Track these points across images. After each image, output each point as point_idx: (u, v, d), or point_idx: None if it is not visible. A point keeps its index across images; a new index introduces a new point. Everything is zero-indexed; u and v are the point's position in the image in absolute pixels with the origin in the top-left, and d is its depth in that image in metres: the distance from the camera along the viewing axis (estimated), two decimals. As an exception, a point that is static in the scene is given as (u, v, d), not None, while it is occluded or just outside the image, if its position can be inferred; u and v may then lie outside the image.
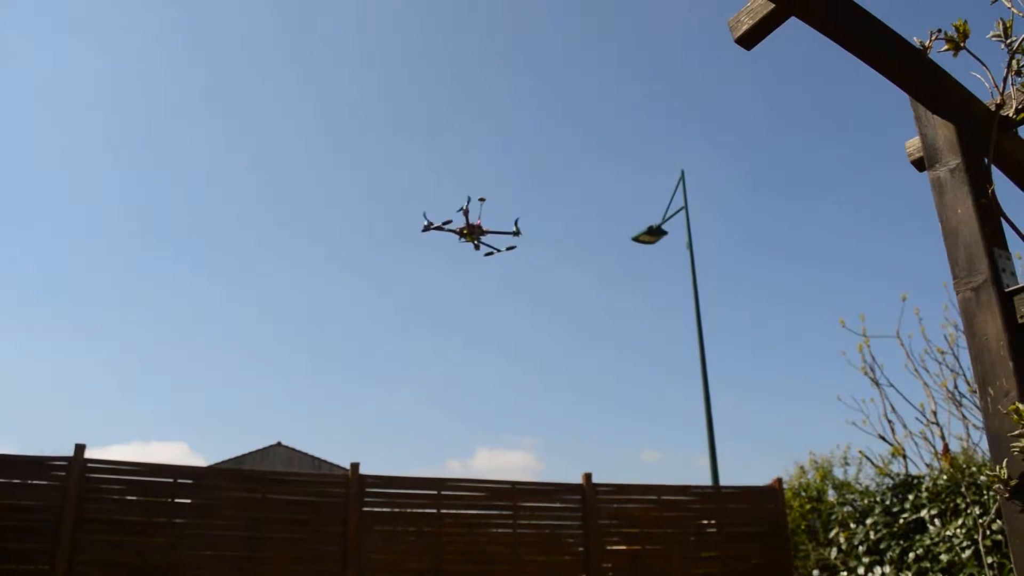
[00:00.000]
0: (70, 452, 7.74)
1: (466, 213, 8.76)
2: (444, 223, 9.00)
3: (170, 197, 38.16)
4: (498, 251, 9.27)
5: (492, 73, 36.22)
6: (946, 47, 2.28)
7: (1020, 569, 1.91)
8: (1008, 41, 2.24)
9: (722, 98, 31.31)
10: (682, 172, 14.86)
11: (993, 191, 2.23)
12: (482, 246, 9.17)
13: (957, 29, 2.26)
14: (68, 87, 33.87)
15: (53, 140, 35.85)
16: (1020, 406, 1.91)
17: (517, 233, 9.14)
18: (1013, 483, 1.95)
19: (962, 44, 2.27)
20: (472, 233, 9.02)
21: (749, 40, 2.18)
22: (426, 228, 8.94)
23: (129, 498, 8.06)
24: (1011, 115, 2.36)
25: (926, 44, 2.29)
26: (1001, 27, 2.24)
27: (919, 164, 2.57)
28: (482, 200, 9.04)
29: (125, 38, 33.34)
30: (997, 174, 2.36)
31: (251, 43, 35.17)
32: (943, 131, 2.32)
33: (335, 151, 37.20)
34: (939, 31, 2.27)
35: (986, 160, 2.29)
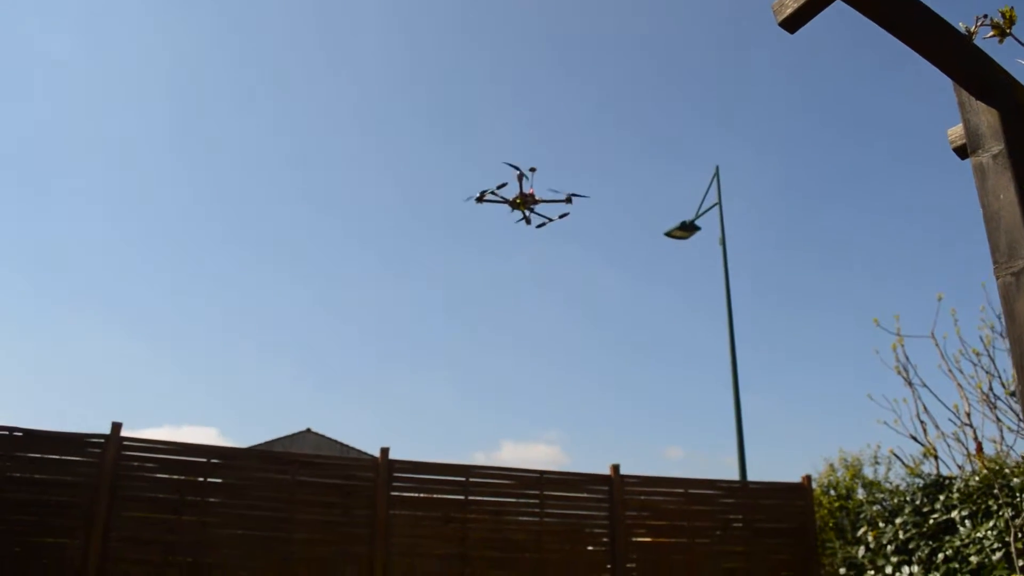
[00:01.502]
0: (107, 430, 7.90)
1: (520, 179, 8.76)
2: (500, 186, 8.99)
3: (212, 186, 38.59)
4: (550, 220, 9.27)
5: (529, 70, 36.21)
6: (992, 33, 2.27)
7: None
8: (1055, 28, 2.23)
9: (758, 99, 31.08)
10: (716, 168, 14.80)
11: (1036, 178, 2.23)
12: (533, 217, 9.17)
13: (1003, 15, 2.26)
14: (122, 70, 34.32)
15: (105, 124, 36.37)
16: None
17: (569, 200, 9.12)
18: (1050, 468, 1.95)
19: (1008, 30, 2.26)
20: (525, 202, 9.01)
21: (793, 23, 2.18)
22: (480, 198, 8.96)
23: (163, 476, 8.20)
24: (1056, 102, 2.35)
25: (972, 30, 2.28)
26: (1048, 13, 2.23)
27: (961, 151, 2.56)
28: (533, 170, 9.05)
29: (169, 28, 33.72)
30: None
31: (292, 38, 35.41)
32: (987, 117, 2.32)
33: (376, 144, 37.45)
34: (985, 17, 2.27)
35: (1030, 147, 2.29)
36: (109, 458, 7.77)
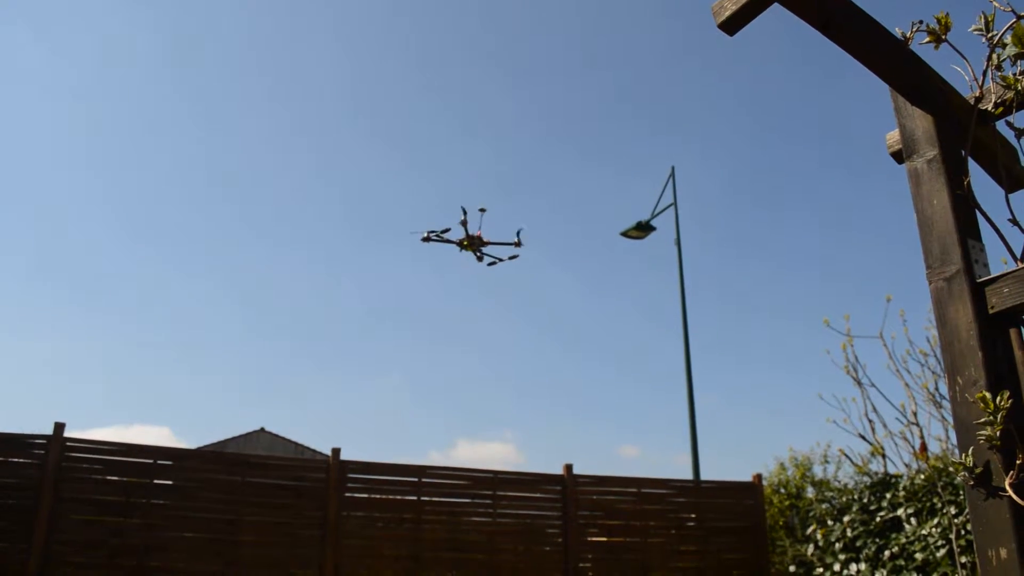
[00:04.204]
0: (49, 431, 7.72)
1: (465, 224, 8.78)
2: (443, 231, 9.01)
3: (155, 182, 37.95)
4: (500, 260, 9.30)
5: (474, 77, 36.17)
6: (927, 39, 2.29)
7: (982, 555, 1.93)
8: (989, 35, 2.25)
9: (704, 103, 31.41)
10: (672, 168, 14.89)
11: (969, 183, 2.25)
12: (484, 256, 9.19)
13: (939, 21, 2.28)
14: (40, 71, 33.59)
15: (38, 122, 35.56)
16: (987, 394, 1.93)
17: (519, 243, 9.17)
18: (978, 471, 1.97)
19: (943, 37, 2.28)
20: (472, 244, 9.02)
21: (732, 25, 2.18)
22: (426, 238, 8.95)
23: (108, 478, 8.04)
24: (989, 109, 2.38)
25: (908, 35, 2.30)
26: (983, 20, 2.25)
27: (898, 156, 2.58)
28: (482, 211, 9.06)
29: (104, 32, 33.06)
30: (973, 167, 2.38)
31: (227, 44, 34.91)
32: (922, 123, 2.34)
33: (319, 149, 37.09)
34: (921, 23, 2.28)
35: (963, 152, 2.31)
36: (52, 459, 7.60)
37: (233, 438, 28.03)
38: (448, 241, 9.02)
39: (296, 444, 29.07)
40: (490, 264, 9.23)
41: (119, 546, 7.73)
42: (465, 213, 8.59)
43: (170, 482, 8.30)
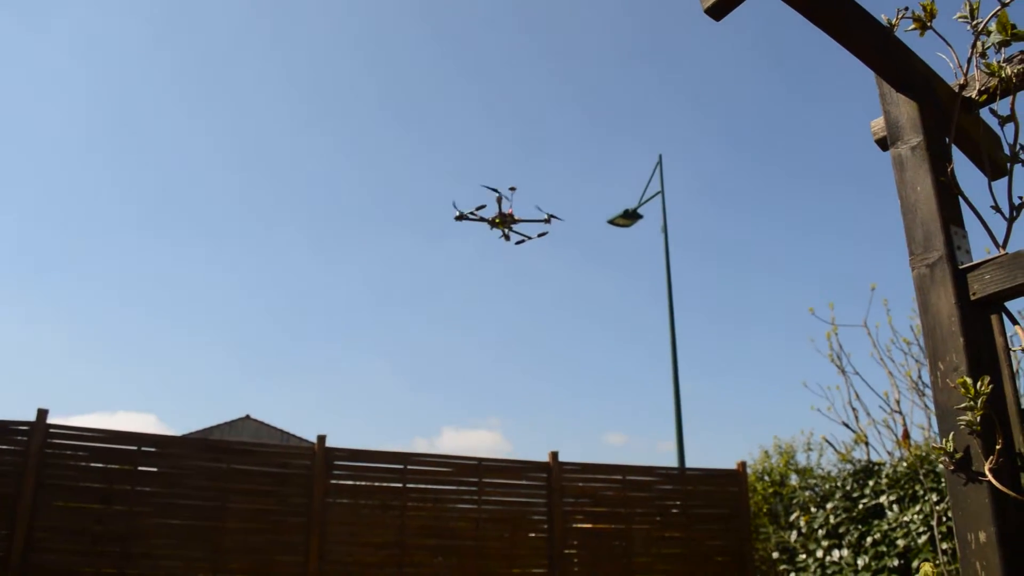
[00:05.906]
0: (33, 417, 7.67)
1: (499, 202, 8.85)
2: (478, 208, 9.07)
3: (137, 165, 37.68)
4: (529, 238, 9.38)
5: (472, 56, 36.05)
6: (913, 26, 2.29)
7: (961, 538, 1.95)
8: (974, 22, 2.26)
9: (696, 87, 31.41)
10: (659, 156, 14.90)
11: (952, 170, 2.26)
12: (512, 235, 9.27)
13: (924, 8, 2.28)
14: (39, 54, 33.27)
15: (23, 107, 35.22)
16: (968, 380, 1.95)
17: (548, 221, 9.25)
18: (958, 456, 1.99)
19: (928, 23, 2.29)
20: (504, 222, 9.10)
21: (718, 10, 2.17)
22: (459, 217, 9.01)
23: (92, 465, 7.99)
24: (973, 96, 2.38)
25: (893, 22, 2.30)
26: (967, 8, 2.26)
27: (882, 144, 2.58)
28: (512, 189, 9.13)
29: (109, 19, 32.75)
30: (957, 154, 2.39)
31: (236, 24, 34.66)
32: (906, 109, 2.34)
33: (311, 128, 36.92)
34: (906, 9, 2.29)
35: (947, 139, 2.32)
36: (35, 446, 7.55)
37: (218, 425, 27.98)
38: (481, 219, 9.12)
39: (281, 431, 29.05)
40: (518, 242, 9.30)
41: (102, 533, 7.69)
42: (498, 192, 8.71)
43: (154, 469, 8.26)
